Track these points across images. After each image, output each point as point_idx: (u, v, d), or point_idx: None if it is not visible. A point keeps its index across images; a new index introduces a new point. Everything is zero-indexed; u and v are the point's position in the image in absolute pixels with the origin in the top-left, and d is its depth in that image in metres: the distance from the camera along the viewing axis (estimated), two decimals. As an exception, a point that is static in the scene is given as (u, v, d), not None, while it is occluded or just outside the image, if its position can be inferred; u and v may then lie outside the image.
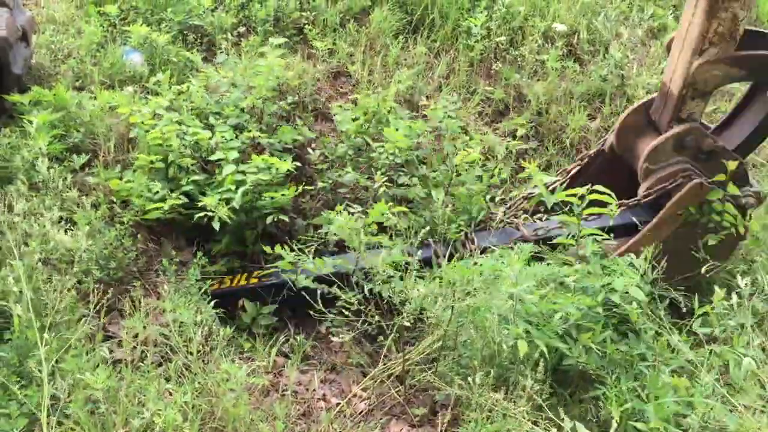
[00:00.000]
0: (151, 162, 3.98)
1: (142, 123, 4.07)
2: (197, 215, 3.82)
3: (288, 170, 4.07)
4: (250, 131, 4.35)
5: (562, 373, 3.06)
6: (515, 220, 4.14)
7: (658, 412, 2.65)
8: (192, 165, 4.06)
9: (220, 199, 3.82)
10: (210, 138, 4.15)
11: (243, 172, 3.97)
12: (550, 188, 3.96)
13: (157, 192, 3.84)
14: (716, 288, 2.94)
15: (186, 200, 3.91)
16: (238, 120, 4.48)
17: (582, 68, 6.11)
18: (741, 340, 2.85)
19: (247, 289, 3.85)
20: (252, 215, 4.04)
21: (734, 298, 2.93)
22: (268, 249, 3.64)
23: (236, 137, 4.27)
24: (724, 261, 3.79)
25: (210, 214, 3.77)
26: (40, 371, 2.54)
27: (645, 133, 4.11)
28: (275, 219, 3.99)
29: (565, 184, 4.19)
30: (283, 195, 3.98)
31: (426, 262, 3.66)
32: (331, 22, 5.77)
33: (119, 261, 3.59)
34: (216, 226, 3.76)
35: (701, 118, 3.96)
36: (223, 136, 4.21)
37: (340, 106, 4.82)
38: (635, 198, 3.93)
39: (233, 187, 3.90)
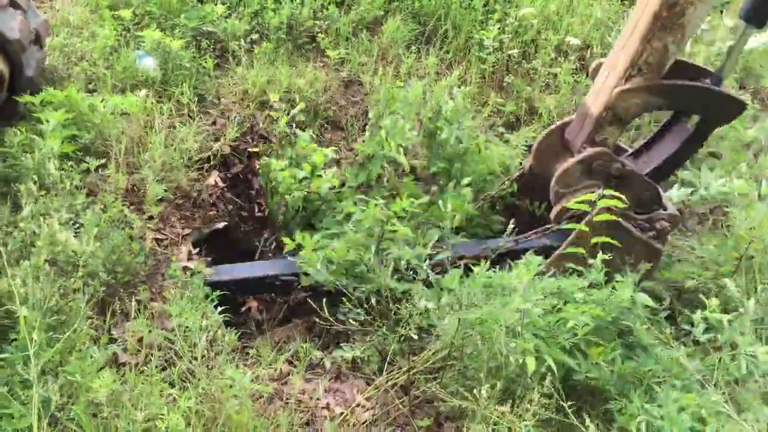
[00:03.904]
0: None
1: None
2: None
3: None
4: None
5: (570, 388, 3.02)
6: None
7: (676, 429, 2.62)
8: None
9: None
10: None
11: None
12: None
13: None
14: (704, 299, 2.97)
15: None
16: None
17: (594, 82, 6.08)
18: (747, 340, 2.84)
19: None
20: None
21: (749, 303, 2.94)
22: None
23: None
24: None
25: None
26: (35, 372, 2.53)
27: (561, 155, 4.10)
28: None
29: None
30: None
31: None
32: (344, 32, 5.77)
33: (126, 265, 3.56)
34: None
35: (614, 145, 3.91)
36: None
37: None
38: (547, 225, 3.99)
39: None
